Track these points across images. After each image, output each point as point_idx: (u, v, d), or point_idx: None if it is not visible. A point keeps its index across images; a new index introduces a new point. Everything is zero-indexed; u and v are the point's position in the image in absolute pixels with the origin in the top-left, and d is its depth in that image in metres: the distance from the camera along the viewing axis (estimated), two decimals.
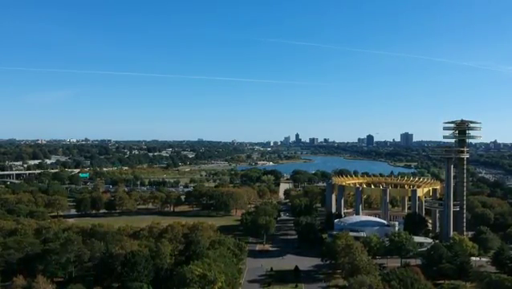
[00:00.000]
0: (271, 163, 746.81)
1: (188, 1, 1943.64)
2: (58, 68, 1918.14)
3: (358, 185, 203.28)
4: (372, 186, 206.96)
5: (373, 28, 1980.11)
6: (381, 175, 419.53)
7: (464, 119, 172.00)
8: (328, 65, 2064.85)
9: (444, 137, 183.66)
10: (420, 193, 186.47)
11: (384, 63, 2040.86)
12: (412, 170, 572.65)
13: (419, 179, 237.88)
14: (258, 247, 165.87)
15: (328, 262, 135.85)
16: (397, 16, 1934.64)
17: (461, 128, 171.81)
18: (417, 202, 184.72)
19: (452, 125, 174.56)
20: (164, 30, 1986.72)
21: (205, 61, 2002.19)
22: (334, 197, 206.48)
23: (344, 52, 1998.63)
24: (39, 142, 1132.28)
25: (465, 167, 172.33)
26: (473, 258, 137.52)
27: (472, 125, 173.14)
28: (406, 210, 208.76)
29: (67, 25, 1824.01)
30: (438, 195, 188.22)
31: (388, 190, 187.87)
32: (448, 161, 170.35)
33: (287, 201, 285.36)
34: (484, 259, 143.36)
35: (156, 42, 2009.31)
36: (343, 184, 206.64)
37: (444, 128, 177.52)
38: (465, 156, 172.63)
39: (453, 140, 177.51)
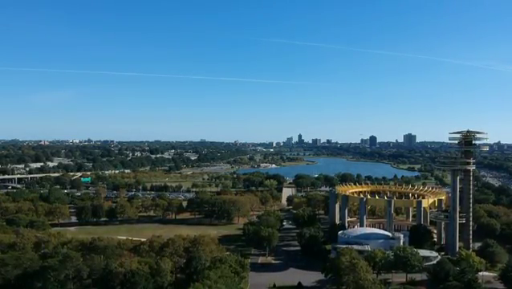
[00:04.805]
0: (274, 165, 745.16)
1: (189, 1, 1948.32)
2: (61, 68, 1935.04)
3: (362, 196, 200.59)
4: (377, 196, 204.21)
5: (375, 28, 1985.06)
6: (385, 179, 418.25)
7: (470, 129, 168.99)
8: (330, 65, 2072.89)
9: (449, 145, 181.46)
10: (425, 204, 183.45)
11: (387, 62, 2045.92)
12: (416, 173, 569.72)
13: (423, 187, 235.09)
14: (261, 260, 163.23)
15: (332, 277, 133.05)
16: (400, 16, 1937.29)
17: (467, 139, 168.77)
18: (422, 213, 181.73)
19: (458, 136, 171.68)
20: (166, 31, 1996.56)
21: (206, 61, 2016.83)
22: (337, 206, 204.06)
23: (346, 52, 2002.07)
24: (42, 143, 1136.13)
25: (471, 178, 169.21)
26: (480, 273, 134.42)
27: (478, 136, 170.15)
28: (411, 219, 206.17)
29: (69, 25, 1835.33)
30: (444, 206, 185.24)
31: (393, 201, 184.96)
32: (453, 173, 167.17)
33: (290, 207, 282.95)
34: (491, 274, 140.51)
35: (158, 43, 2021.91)
36: (347, 193, 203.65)
37: (450, 139, 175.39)
38: (472, 167, 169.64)
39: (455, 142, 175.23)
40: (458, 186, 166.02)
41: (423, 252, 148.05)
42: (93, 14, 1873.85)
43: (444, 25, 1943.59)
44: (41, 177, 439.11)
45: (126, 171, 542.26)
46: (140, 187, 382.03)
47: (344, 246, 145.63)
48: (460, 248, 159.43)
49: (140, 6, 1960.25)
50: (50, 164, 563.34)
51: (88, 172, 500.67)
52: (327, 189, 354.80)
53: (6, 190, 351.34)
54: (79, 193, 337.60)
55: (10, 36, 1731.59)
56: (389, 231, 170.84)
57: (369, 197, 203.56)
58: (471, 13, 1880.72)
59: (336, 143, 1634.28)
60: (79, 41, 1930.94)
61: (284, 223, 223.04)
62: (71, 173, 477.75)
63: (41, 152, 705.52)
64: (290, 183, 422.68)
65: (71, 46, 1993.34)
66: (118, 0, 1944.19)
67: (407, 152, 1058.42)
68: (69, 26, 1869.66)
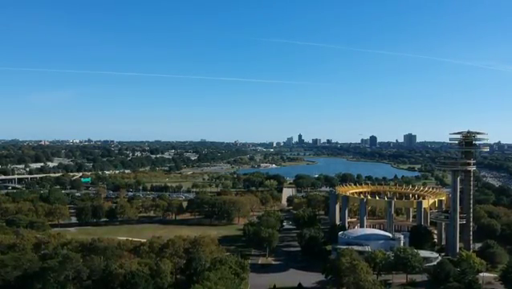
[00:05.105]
0: (274, 165, 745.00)
1: (189, 1, 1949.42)
2: (61, 68, 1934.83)
3: (362, 196, 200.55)
4: (377, 197, 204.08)
5: (375, 28, 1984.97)
6: (385, 179, 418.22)
7: (470, 130, 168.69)
8: (330, 65, 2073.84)
9: (450, 146, 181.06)
10: (425, 204, 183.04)
11: (387, 62, 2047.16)
12: (416, 174, 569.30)
13: (424, 187, 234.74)
14: (261, 261, 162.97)
15: (333, 278, 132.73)
16: (400, 16, 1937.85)
17: (468, 140, 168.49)
18: (423, 214, 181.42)
19: (458, 136, 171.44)
20: (166, 31, 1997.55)
21: (206, 61, 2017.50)
22: (338, 207, 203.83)
23: (346, 52, 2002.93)
24: (42, 143, 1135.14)
25: (471, 179, 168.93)
26: (481, 274, 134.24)
27: (478, 136, 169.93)
28: (411, 219, 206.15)
29: (69, 25, 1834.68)
30: (444, 207, 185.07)
31: (393, 202, 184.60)
32: (454, 174, 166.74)
33: (290, 208, 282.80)
34: (491, 275, 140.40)
35: (158, 43, 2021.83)
36: (347, 194, 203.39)
37: (451, 139, 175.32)
38: (472, 168, 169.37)
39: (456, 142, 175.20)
40: (459, 187, 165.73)
41: (423, 253, 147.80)
42: (93, 14, 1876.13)
43: (444, 25, 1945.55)
44: (41, 178, 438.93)
45: (126, 171, 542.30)
46: (141, 187, 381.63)
47: (345, 247, 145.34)
48: (460, 249, 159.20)
49: (140, 6, 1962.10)
50: (51, 165, 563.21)
51: (88, 173, 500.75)
52: (328, 189, 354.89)
53: (6, 191, 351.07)
54: (79, 194, 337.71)
55: (10, 36, 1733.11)
56: (389, 232, 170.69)
57: (369, 197, 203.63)
58: (471, 13, 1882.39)
59: (336, 143, 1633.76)
60: (79, 41, 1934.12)
61: (284, 224, 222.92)
62: (71, 174, 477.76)
63: (41, 152, 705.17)
64: (290, 183, 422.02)
65: (71, 46, 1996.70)
66: (118, 0, 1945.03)
67: (407, 152, 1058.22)
68: (69, 26, 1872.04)
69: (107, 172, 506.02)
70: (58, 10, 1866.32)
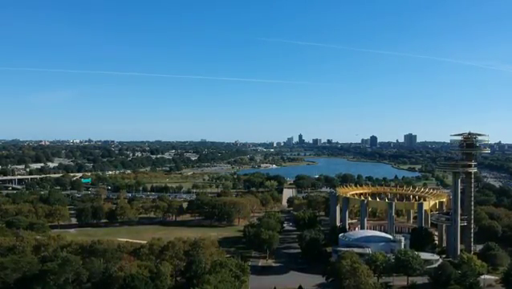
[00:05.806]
0: (274, 166, 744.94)
1: (189, 1, 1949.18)
2: (62, 68, 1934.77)
3: (363, 198, 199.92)
4: (377, 198, 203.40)
5: (375, 28, 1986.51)
6: (385, 179, 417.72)
7: (471, 131, 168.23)
8: (330, 65, 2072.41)
9: (450, 147, 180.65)
10: (426, 206, 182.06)
11: (387, 62, 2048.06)
12: (417, 174, 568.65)
13: (425, 188, 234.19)
14: (261, 263, 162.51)
15: (333, 281, 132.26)
16: (400, 16, 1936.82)
17: (468, 141, 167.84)
18: (423, 215, 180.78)
19: (459, 138, 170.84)
20: (166, 31, 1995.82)
21: (206, 61, 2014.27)
22: (338, 208, 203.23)
23: (346, 52, 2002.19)
24: (43, 143, 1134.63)
25: (472, 181, 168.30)
26: (482, 277, 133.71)
27: (479, 138, 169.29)
28: (412, 221, 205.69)
29: (69, 25, 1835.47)
30: (445, 208, 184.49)
31: (394, 203, 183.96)
32: (455, 175, 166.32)
33: (291, 209, 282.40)
34: (492, 277, 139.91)
35: (158, 43, 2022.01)
36: (348, 195, 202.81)
37: (451, 141, 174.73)
38: (473, 170, 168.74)
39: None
40: (459, 188, 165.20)
41: (424, 255, 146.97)
42: (93, 14, 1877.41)
43: (444, 25, 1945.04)
44: (41, 178, 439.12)
45: (126, 171, 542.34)
46: (141, 188, 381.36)
47: (345, 249, 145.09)
48: (461, 251, 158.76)
49: (140, 5, 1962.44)
50: (51, 165, 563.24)
51: (89, 173, 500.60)
52: (328, 189, 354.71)
53: (6, 191, 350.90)
54: (79, 195, 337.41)
55: (10, 36, 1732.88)
56: (390, 234, 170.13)
57: (370, 199, 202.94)
58: (471, 13, 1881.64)
59: (337, 143, 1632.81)
60: (79, 41, 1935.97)
61: (284, 225, 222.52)
62: (72, 174, 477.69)
63: (41, 152, 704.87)
64: (290, 184, 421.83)
65: (72, 45, 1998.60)
66: (118, 0, 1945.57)
67: (407, 152, 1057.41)
68: (69, 26, 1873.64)
69: (107, 173, 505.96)
70: (58, 10, 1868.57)
